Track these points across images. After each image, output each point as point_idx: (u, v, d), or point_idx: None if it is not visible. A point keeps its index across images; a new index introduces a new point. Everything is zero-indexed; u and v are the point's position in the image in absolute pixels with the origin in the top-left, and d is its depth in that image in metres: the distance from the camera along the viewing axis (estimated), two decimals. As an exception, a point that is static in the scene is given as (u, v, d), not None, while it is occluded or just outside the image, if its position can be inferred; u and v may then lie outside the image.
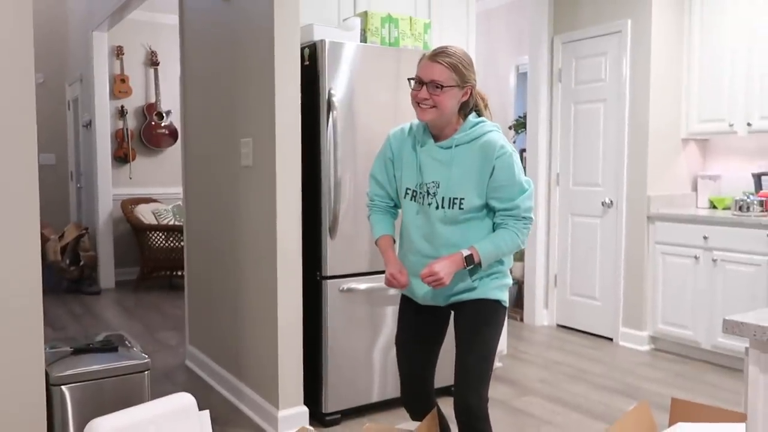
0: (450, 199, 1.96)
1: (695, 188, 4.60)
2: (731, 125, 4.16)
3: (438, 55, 1.93)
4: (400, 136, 2.11)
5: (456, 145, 1.97)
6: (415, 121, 2.07)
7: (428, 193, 2.00)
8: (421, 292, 2.06)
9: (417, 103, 1.98)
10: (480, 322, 2.02)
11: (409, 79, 2.02)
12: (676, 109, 4.44)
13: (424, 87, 1.94)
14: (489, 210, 2.00)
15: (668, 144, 4.43)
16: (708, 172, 4.59)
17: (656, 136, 4.35)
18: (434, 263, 1.91)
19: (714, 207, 4.43)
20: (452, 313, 2.13)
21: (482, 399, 2.00)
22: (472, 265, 1.93)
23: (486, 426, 2.01)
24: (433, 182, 1.99)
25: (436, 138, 2.03)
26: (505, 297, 2.08)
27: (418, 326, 2.14)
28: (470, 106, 2.03)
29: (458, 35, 3.81)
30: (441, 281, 1.89)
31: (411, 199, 2.04)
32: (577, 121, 4.79)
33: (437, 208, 1.99)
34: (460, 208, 1.96)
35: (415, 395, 2.16)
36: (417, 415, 2.18)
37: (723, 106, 4.22)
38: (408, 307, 2.16)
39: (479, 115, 2.06)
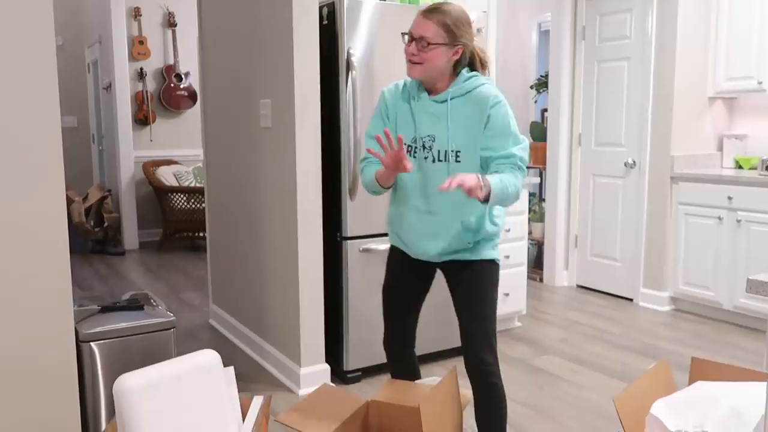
0: (446, 152, 1.96)
1: (720, 148, 4.51)
2: (760, 83, 4.05)
3: (431, 12, 1.92)
4: (394, 91, 2.09)
5: (450, 99, 1.97)
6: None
7: (424, 147, 1.99)
8: (419, 249, 2.06)
9: (408, 59, 1.97)
10: (480, 282, 2.04)
11: (402, 34, 2.00)
12: (702, 66, 4.33)
13: (414, 42, 1.93)
14: (486, 164, 1.96)
15: (694, 103, 4.34)
16: (734, 132, 4.50)
17: (681, 94, 4.26)
18: (457, 174, 1.81)
19: (740, 167, 4.35)
20: (444, 273, 2.12)
21: (493, 352, 2.05)
22: (484, 189, 1.82)
23: (498, 378, 2.06)
24: (428, 136, 1.98)
25: (430, 92, 2.02)
26: (498, 255, 2.09)
27: (407, 275, 2.16)
28: (463, 65, 2.00)
29: (479, -8, 3.72)
30: (462, 184, 1.77)
31: (407, 155, 2.00)
32: (600, 79, 4.70)
33: (434, 161, 1.98)
34: (456, 161, 1.95)
35: (399, 341, 2.20)
36: (396, 361, 2.23)
37: (752, 63, 4.10)
38: (398, 257, 2.17)
39: (473, 70, 2.02)
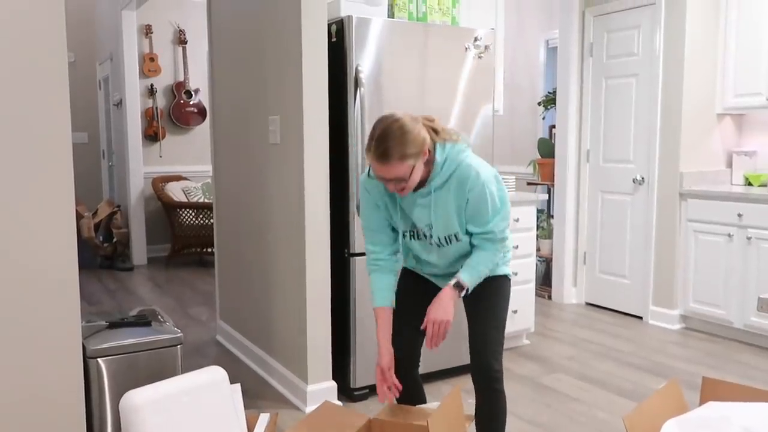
0: (446, 236, 2.06)
1: (730, 165, 4.49)
2: (769, 99, 4.04)
3: (385, 156, 1.87)
4: (374, 183, 2.11)
5: (434, 191, 2.00)
6: None
7: (425, 235, 2.08)
8: (431, 276, 2.20)
9: (393, 192, 2.02)
10: (494, 295, 2.13)
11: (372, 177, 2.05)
12: (711, 83, 4.33)
13: (391, 182, 1.94)
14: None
15: (702, 119, 4.33)
16: (743, 148, 4.48)
17: (690, 111, 4.25)
18: (430, 312, 1.99)
19: (749, 184, 4.33)
20: None
21: (500, 362, 2.11)
22: (463, 291, 2.02)
23: (502, 387, 2.13)
24: (426, 225, 2.06)
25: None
26: (509, 270, 2.19)
27: (418, 289, 2.21)
28: (432, 152, 1.99)
29: (487, 9, 3.75)
30: (446, 325, 1.98)
31: (410, 238, 2.12)
32: (608, 96, 4.70)
33: (438, 246, 2.08)
34: (457, 240, 2.06)
35: (406, 351, 2.20)
36: (402, 382, 2.22)
37: (760, 79, 4.10)
38: (412, 275, 2.26)
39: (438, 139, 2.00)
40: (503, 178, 3.96)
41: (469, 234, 2.05)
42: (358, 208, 3.04)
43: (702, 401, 2.19)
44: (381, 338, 2.09)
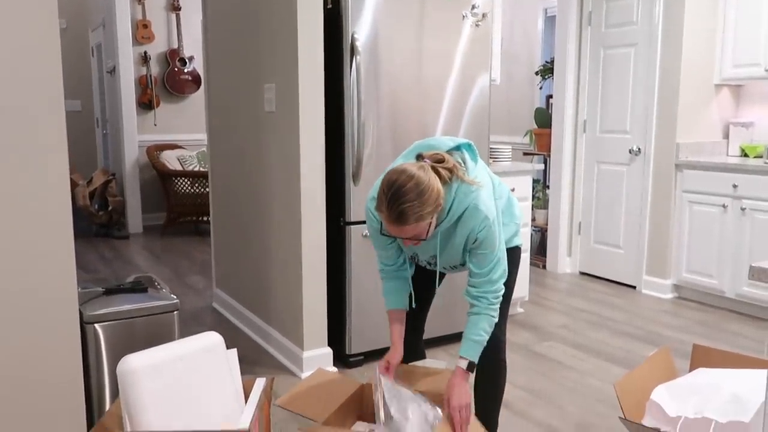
0: (450, 266, 2.06)
1: (726, 136, 4.49)
2: (767, 70, 4.02)
3: (399, 218, 1.73)
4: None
5: (440, 232, 1.93)
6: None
7: (429, 264, 2.07)
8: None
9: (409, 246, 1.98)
10: None
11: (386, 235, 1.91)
12: (709, 53, 4.30)
13: (406, 239, 1.85)
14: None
15: (700, 90, 4.31)
16: (740, 119, 4.47)
17: (688, 81, 4.23)
18: (451, 400, 1.92)
19: (745, 155, 4.33)
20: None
21: (503, 331, 2.13)
22: (472, 368, 1.97)
23: (504, 356, 2.16)
24: (431, 256, 2.03)
25: None
26: (520, 241, 2.18)
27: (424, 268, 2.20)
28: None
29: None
30: (468, 407, 1.93)
31: (414, 264, 2.13)
32: (606, 66, 4.67)
33: (444, 271, 2.09)
34: (463, 267, 2.05)
35: (411, 325, 2.22)
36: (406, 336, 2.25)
37: (759, 49, 4.07)
38: None
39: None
40: (499, 149, 3.96)
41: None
42: (353, 177, 3.04)
43: (692, 368, 2.23)
44: (393, 338, 2.10)
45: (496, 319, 1.97)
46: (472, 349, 1.95)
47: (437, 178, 1.78)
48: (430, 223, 1.79)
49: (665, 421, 1.88)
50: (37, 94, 1.88)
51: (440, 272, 2.08)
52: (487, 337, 1.96)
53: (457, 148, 1.96)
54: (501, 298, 1.96)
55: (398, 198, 1.71)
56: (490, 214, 1.88)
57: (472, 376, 2.04)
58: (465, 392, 1.93)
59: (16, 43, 1.84)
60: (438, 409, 2.02)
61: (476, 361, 1.97)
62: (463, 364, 1.95)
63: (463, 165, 1.91)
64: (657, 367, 2.19)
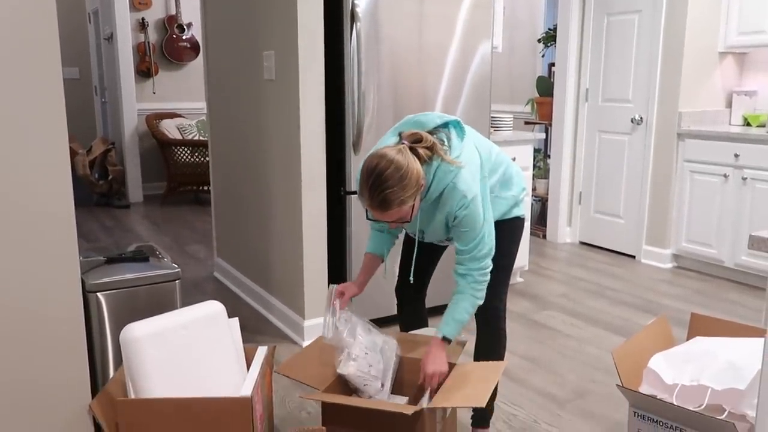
0: (438, 240, 2.09)
1: (729, 105, 4.46)
2: (772, 38, 3.98)
3: (382, 204, 1.74)
4: None
5: (421, 209, 1.95)
6: None
7: (419, 237, 2.08)
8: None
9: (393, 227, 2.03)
10: (507, 237, 2.13)
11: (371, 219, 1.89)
12: (714, 20, 4.24)
13: (392, 222, 1.85)
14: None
15: (704, 58, 4.26)
16: (744, 88, 4.43)
17: (692, 49, 4.18)
18: (425, 366, 1.96)
19: (748, 124, 4.31)
20: None
21: (503, 302, 2.16)
22: (449, 341, 1.99)
23: (504, 325, 2.18)
24: (419, 231, 2.05)
25: None
26: (521, 212, 2.17)
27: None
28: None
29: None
30: (441, 375, 1.96)
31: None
32: (609, 33, 4.61)
33: (435, 244, 2.14)
34: (449, 240, 2.08)
35: (414, 287, 2.27)
36: (406, 305, 2.32)
37: (765, 17, 4.02)
38: None
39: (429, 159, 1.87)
40: (500, 118, 3.93)
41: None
42: (354, 146, 3.02)
43: (689, 336, 2.25)
44: (359, 277, 2.17)
45: (480, 301, 1.98)
46: (451, 327, 1.98)
47: (416, 159, 1.79)
48: (413, 205, 1.80)
49: (662, 388, 1.90)
50: (34, 60, 1.86)
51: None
52: (468, 318, 1.97)
53: (445, 125, 1.95)
54: (488, 276, 1.96)
55: (379, 185, 1.73)
56: (469, 193, 1.86)
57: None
58: (441, 360, 1.96)
59: (10, 7, 1.81)
60: (394, 340, 2.09)
61: (454, 338, 2.00)
62: (440, 335, 1.98)
63: (446, 143, 1.90)
64: (655, 335, 2.21)
